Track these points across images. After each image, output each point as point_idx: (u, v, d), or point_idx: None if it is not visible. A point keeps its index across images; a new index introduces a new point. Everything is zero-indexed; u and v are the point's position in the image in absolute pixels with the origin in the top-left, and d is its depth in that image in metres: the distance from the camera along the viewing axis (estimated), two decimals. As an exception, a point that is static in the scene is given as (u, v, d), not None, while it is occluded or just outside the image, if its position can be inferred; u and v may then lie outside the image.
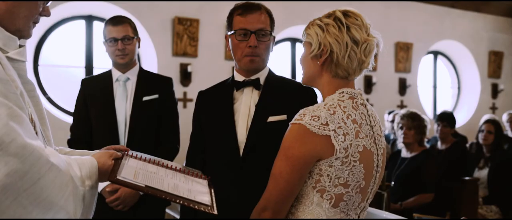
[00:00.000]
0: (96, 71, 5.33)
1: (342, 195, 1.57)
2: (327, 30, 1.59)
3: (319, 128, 1.51)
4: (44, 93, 5.30)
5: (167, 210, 4.10)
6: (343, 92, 1.63)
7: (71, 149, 1.72)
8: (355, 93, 1.64)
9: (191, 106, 2.10)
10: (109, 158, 1.54)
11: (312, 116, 1.53)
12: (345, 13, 1.61)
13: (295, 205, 1.63)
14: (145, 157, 1.73)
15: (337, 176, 1.54)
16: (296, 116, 1.57)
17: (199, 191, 1.64)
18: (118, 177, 1.48)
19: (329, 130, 1.51)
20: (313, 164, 1.55)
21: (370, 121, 1.64)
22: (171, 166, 1.76)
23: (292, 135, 1.56)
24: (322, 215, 1.57)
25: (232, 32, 2.04)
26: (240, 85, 2.09)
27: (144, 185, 1.50)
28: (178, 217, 4.00)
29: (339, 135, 1.52)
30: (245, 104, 2.05)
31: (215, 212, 1.57)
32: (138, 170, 1.59)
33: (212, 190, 1.71)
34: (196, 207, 1.54)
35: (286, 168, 1.55)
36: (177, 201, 1.53)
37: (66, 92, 5.33)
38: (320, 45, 1.60)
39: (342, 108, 1.57)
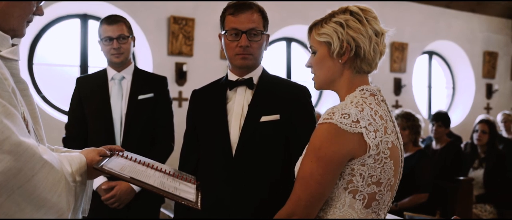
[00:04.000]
0: (91, 70, 5.31)
1: (374, 194, 1.53)
2: (347, 26, 1.55)
3: (350, 126, 1.46)
4: (38, 92, 5.28)
5: (162, 209, 4.09)
6: (363, 90, 1.59)
7: (68, 149, 1.72)
8: (374, 90, 1.61)
9: (186, 105, 2.11)
10: (97, 155, 1.55)
11: (342, 114, 1.48)
12: (360, 8, 1.59)
13: (325, 208, 1.57)
14: (136, 158, 1.71)
15: (370, 174, 1.50)
16: (324, 116, 1.52)
17: (185, 190, 1.63)
18: (103, 166, 1.48)
19: (361, 127, 1.47)
20: (345, 164, 1.50)
21: (391, 117, 1.62)
22: (161, 168, 1.74)
23: (322, 135, 1.50)
24: (354, 216, 1.53)
25: (224, 32, 2.04)
26: (233, 85, 2.08)
27: (128, 176, 1.49)
28: (172, 216, 3.99)
29: (370, 131, 1.48)
30: (238, 104, 2.05)
31: (199, 207, 1.56)
32: (126, 166, 1.59)
33: (199, 193, 1.70)
34: (180, 201, 1.53)
35: (318, 169, 1.49)
36: (161, 194, 1.52)
37: (61, 91, 5.31)
38: (343, 43, 1.56)
39: (368, 105, 1.54)
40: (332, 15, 1.61)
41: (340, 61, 1.59)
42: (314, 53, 1.66)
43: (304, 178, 1.52)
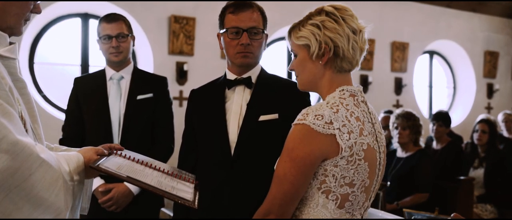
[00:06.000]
0: (91, 69, 5.31)
1: (347, 195, 1.54)
2: (324, 27, 1.56)
3: (323, 127, 1.47)
4: (39, 91, 5.28)
5: (162, 209, 4.09)
6: (343, 90, 1.59)
7: (67, 147, 1.71)
8: (355, 91, 1.61)
9: (187, 104, 2.14)
10: (94, 154, 1.54)
11: (315, 115, 1.48)
12: (335, 7, 1.59)
13: (300, 207, 1.59)
14: (134, 157, 1.70)
15: (342, 175, 1.51)
16: (299, 116, 1.53)
17: (182, 190, 1.62)
18: (100, 165, 1.46)
19: (334, 129, 1.47)
20: (318, 165, 1.52)
21: (371, 118, 1.62)
22: (160, 168, 1.73)
23: (296, 135, 1.51)
24: (328, 216, 1.54)
25: (224, 30, 2.04)
26: (232, 84, 2.08)
27: (125, 175, 1.48)
28: (172, 215, 3.99)
29: (344, 133, 1.48)
30: (237, 103, 2.05)
31: (196, 206, 1.55)
32: (123, 165, 1.58)
33: (197, 193, 1.68)
34: (176, 200, 1.51)
35: (291, 169, 1.51)
36: (158, 193, 1.51)
37: (61, 90, 5.30)
38: (321, 44, 1.57)
39: (345, 106, 1.54)
40: (309, 17, 1.61)
41: (320, 62, 1.60)
42: (295, 56, 1.67)
43: (279, 178, 1.54)
